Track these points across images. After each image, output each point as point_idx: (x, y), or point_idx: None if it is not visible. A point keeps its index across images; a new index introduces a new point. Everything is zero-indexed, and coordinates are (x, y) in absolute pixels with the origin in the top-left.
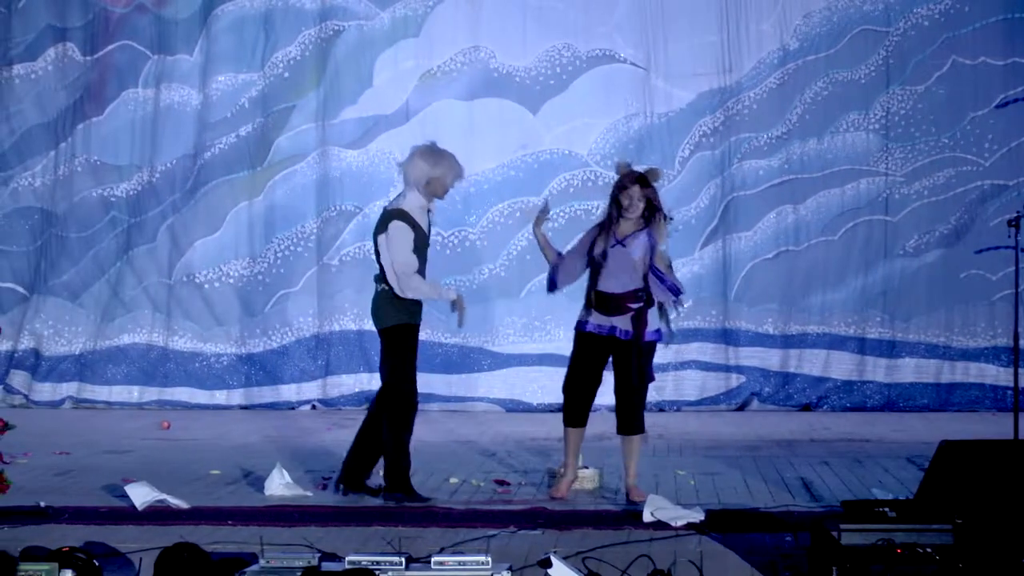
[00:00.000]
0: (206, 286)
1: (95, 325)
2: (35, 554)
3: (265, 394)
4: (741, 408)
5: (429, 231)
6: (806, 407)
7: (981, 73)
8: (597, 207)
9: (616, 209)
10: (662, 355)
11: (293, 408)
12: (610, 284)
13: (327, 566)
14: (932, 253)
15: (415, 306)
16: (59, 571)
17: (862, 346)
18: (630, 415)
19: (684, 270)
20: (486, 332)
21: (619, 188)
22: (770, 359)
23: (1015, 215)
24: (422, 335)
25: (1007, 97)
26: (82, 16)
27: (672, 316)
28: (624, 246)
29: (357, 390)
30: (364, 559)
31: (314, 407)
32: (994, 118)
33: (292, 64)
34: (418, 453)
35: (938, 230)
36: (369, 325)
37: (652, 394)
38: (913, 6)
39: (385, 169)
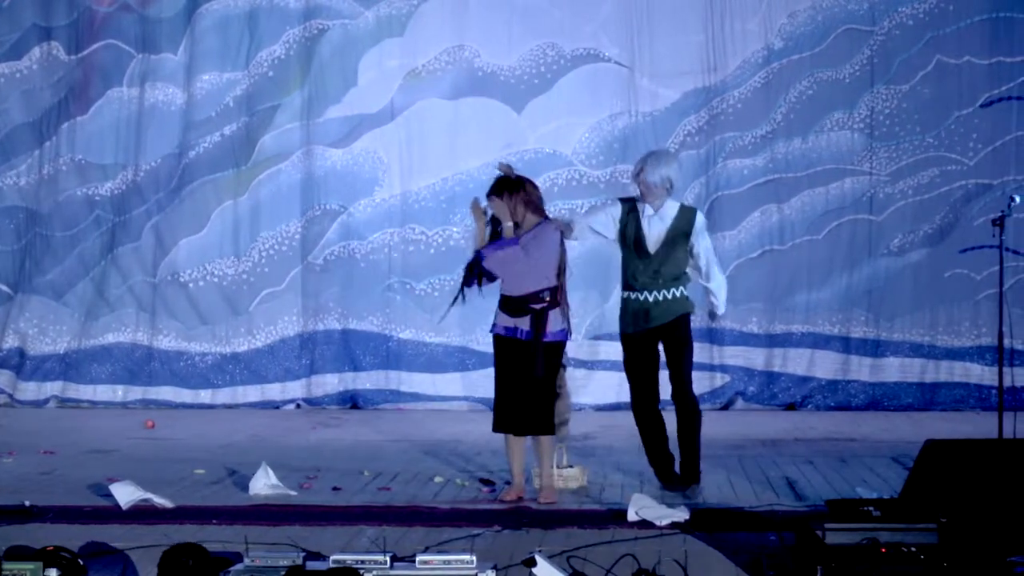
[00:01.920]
0: (191, 285)
1: (80, 324)
2: (20, 553)
3: (250, 393)
4: (725, 407)
5: (640, 231)
6: (791, 406)
7: (965, 72)
8: (582, 206)
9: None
10: None
11: (278, 407)
12: (511, 287)
13: (312, 565)
14: (917, 252)
15: (624, 315)
16: (43, 570)
17: (847, 345)
18: (537, 416)
19: None
20: (470, 331)
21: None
22: (755, 358)
23: (999, 214)
24: (407, 334)
25: (991, 96)
26: (67, 15)
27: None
28: (525, 249)
29: (342, 389)
30: (349, 558)
31: (299, 406)
32: (979, 117)
33: (277, 63)
34: (404, 453)
35: (923, 229)
36: (354, 324)
37: None
38: (898, 5)
39: (369, 168)
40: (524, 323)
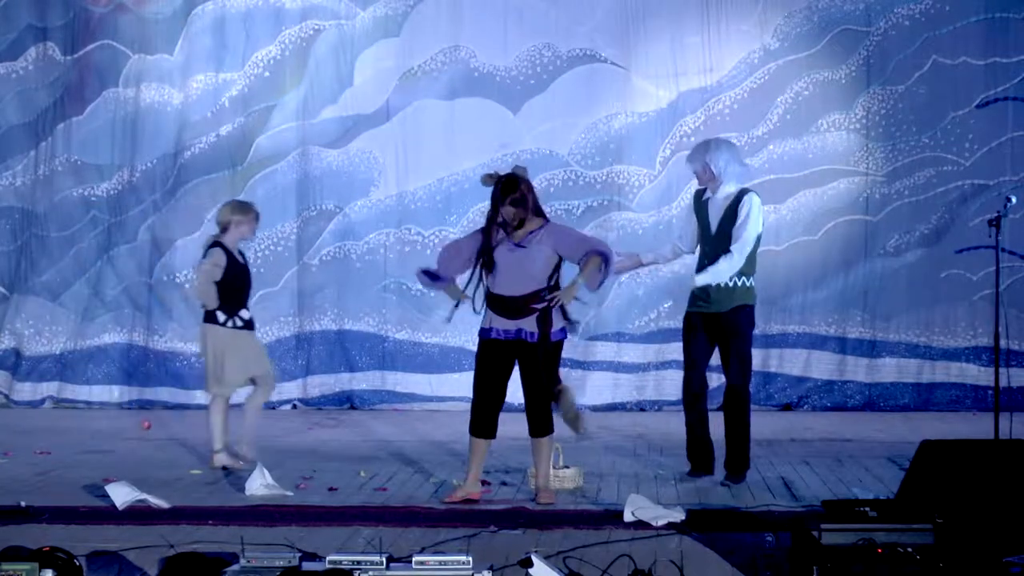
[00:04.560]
0: (187, 286)
1: (76, 325)
2: (16, 554)
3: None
4: (721, 408)
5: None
6: (787, 407)
7: (961, 73)
8: (578, 206)
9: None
10: (644, 355)
11: (274, 408)
12: (509, 287)
13: (308, 566)
14: (913, 253)
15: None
16: (39, 571)
17: (843, 346)
18: (541, 417)
19: (666, 270)
20: (467, 331)
21: (495, 200)
22: None
23: (995, 215)
24: (403, 335)
25: (987, 97)
26: (63, 15)
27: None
28: (524, 247)
29: (338, 390)
30: (345, 559)
31: (295, 407)
32: (975, 118)
33: (272, 63)
34: (400, 453)
35: (919, 230)
36: (349, 325)
37: (633, 393)
38: (894, 6)
39: (365, 169)
40: (528, 324)
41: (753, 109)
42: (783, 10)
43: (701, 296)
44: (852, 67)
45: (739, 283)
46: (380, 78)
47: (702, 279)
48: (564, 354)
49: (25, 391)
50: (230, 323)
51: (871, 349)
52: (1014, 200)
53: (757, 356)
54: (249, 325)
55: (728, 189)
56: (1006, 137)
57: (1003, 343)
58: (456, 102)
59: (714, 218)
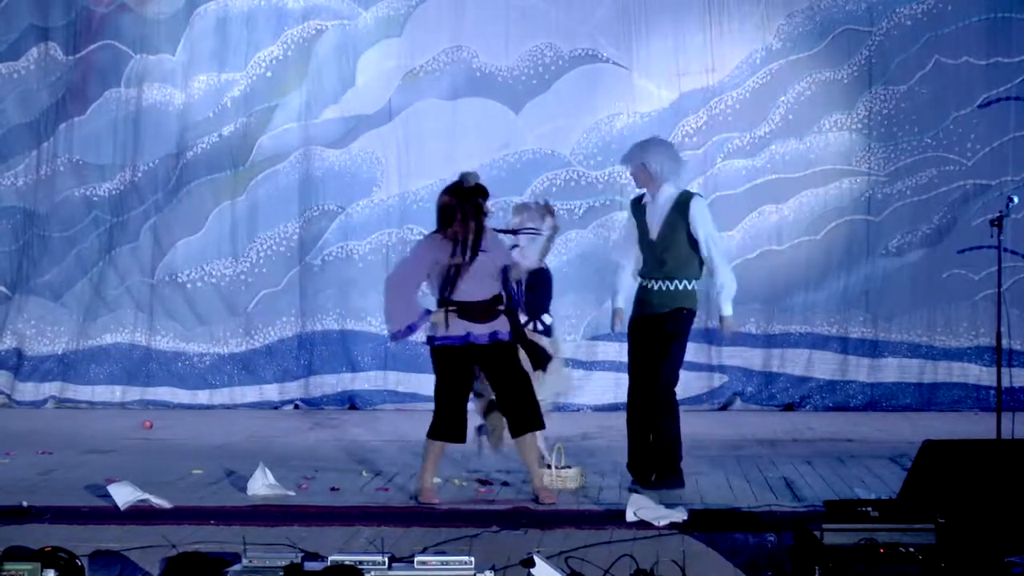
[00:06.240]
0: (188, 286)
1: (77, 325)
2: (17, 554)
3: (248, 394)
4: (724, 408)
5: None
6: (789, 407)
7: (964, 73)
8: (580, 207)
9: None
10: None
11: (276, 408)
12: (474, 292)
13: (310, 566)
14: (915, 253)
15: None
16: (41, 571)
17: (845, 346)
18: (528, 411)
19: None
20: None
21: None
22: (753, 359)
23: (997, 215)
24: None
25: (990, 97)
26: (64, 15)
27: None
28: (485, 252)
29: (340, 390)
30: (347, 559)
31: (297, 407)
32: (977, 118)
33: (274, 63)
34: (402, 452)
35: (921, 230)
36: (352, 325)
37: None
38: (896, 6)
39: (367, 169)
40: (501, 325)
41: (755, 109)
42: (785, 10)
43: (643, 302)
44: (854, 67)
45: (680, 286)
46: (382, 78)
47: (728, 307)
48: (567, 354)
49: (27, 391)
50: (531, 325)
51: (873, 349)
52: (1016, 200)
53: (759, 356)
54: (547, 331)
55: (668, 191)
56: (1008, 137)
57: (1005, 343)
58: (458, 102)
59: (655, 222)
